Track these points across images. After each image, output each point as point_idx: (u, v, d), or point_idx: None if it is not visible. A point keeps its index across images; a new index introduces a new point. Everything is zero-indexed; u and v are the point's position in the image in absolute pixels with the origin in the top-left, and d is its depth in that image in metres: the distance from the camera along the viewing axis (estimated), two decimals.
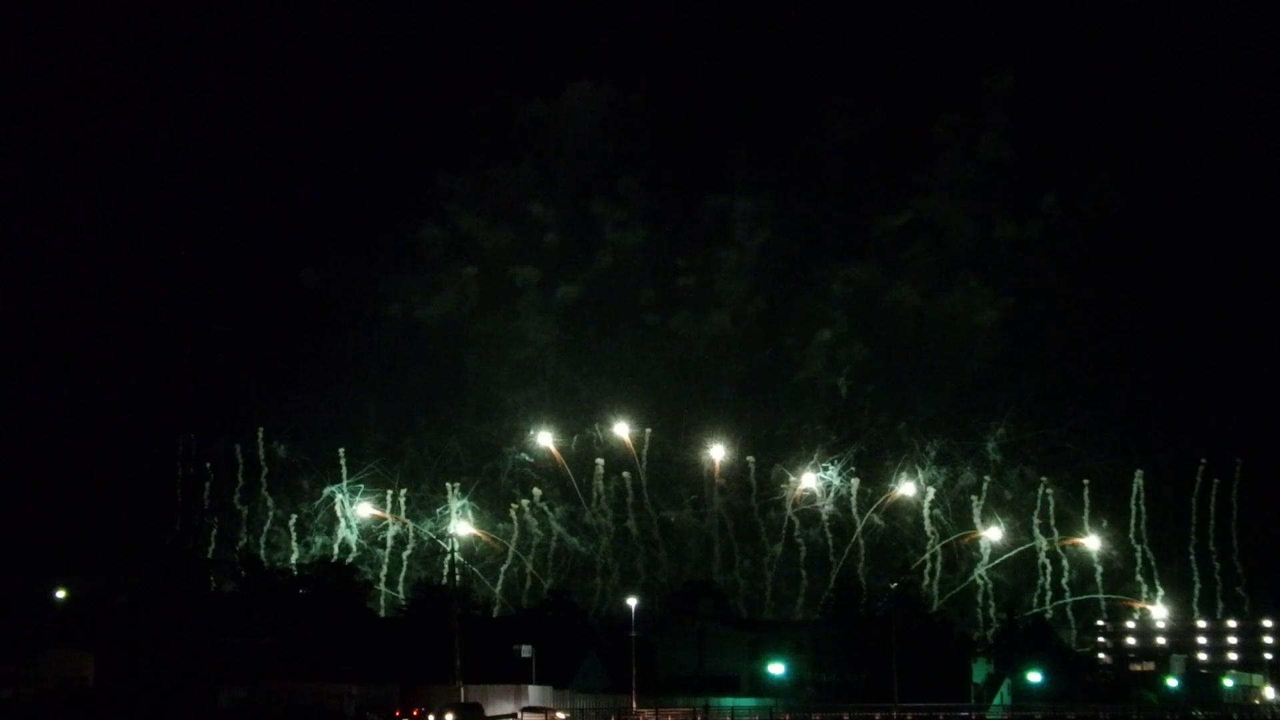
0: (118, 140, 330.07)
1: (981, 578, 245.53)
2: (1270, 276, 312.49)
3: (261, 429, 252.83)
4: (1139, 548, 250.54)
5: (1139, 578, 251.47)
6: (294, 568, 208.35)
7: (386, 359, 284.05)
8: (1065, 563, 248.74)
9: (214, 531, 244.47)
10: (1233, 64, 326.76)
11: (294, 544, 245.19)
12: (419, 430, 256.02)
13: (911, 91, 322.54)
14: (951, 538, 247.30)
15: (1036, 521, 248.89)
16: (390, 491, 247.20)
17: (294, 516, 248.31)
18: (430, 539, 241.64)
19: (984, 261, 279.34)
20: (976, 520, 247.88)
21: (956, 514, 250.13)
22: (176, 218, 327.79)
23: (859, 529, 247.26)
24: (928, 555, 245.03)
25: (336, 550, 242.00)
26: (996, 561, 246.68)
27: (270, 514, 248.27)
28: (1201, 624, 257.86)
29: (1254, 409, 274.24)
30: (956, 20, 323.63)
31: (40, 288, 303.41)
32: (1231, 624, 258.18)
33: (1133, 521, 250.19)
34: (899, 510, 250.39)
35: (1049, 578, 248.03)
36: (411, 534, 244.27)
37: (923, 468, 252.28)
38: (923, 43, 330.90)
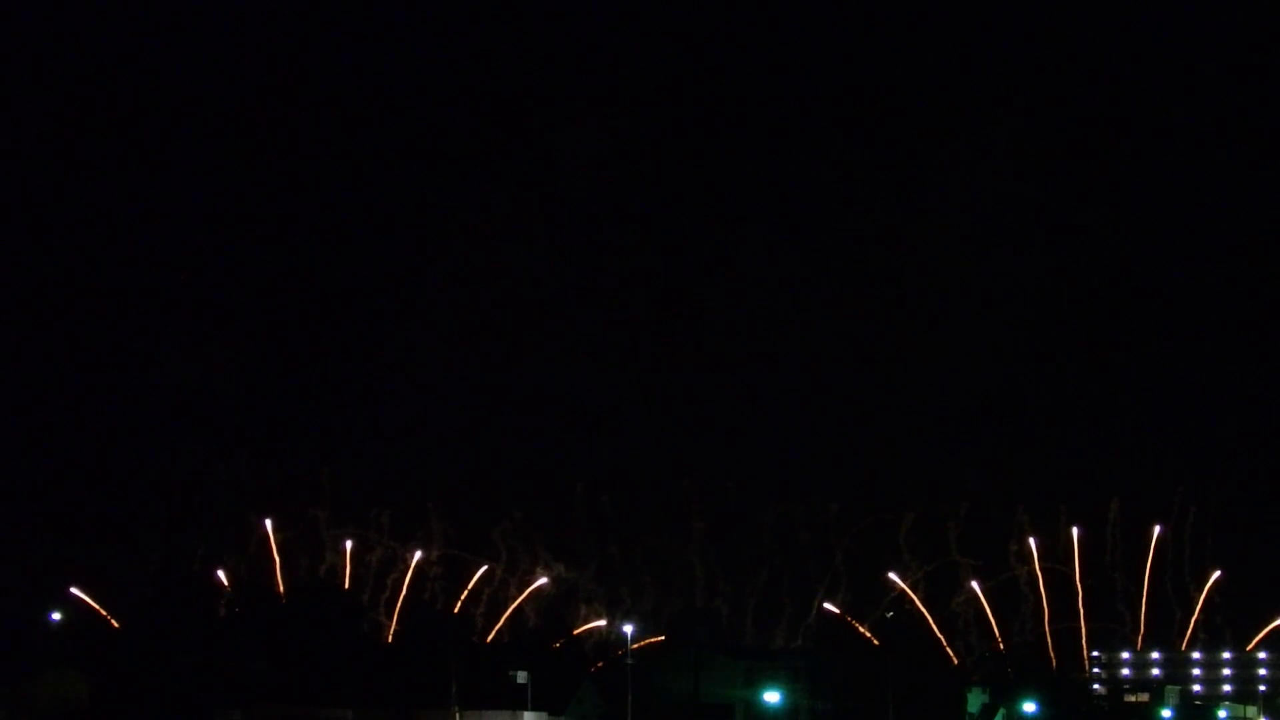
0: (117, 160, 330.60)
1: (961, 606, 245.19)
2: (1255, 307, 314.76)
3: (246, 448, 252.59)
4: (1117, 576, 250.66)
5: (1120, 607, 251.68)
6: (288, 591, 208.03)
7: (381, 378, 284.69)
8: (1045, 592, 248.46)
9: (200, 553, 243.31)
10: (1234, 103, 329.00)
11: (279, 565, 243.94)
12: (404, 452, 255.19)
13: (915, 119, 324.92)
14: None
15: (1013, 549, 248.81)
16: (374, 511, 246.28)
17: (279, 537, 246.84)
18: (417, 562, 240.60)
19: (980, 284, 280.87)
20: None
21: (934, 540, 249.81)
22: (175, 242, 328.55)
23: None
24: (908, 584, 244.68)
25: (322, 572, 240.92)
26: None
27: (254, 535, 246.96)
28: (1195, 655, 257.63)
29: (1228, 437, 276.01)
30: (962, 49, 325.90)
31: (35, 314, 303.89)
32: (1225, 655, 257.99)
33: (1109, 550, 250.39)
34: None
35: (1030, 607, 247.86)
36: (397, 556, 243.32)
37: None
38: (927, 70, 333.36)
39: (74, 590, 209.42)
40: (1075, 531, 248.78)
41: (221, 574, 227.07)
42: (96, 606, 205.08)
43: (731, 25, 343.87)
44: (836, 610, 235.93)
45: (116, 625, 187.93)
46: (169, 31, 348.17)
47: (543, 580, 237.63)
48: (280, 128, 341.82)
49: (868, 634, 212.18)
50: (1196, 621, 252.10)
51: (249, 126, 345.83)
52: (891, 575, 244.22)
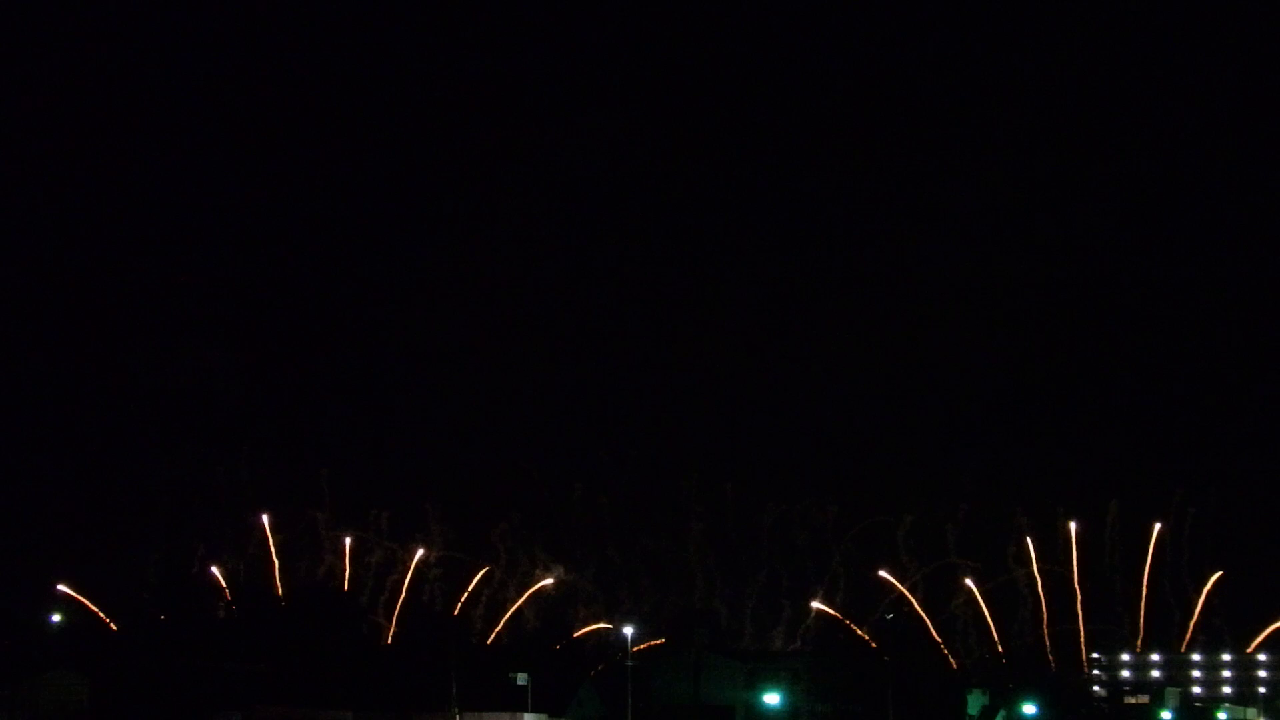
0: (117, 160, 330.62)
1: (959, 608, 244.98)
2: (1253, 307, 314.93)
3: (245, 449, 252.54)
4: (1116, 578, 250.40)
5: (1119, 609, 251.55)
6: (287, 593, 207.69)
7: (380, 379, 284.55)
8: (1044, 593, 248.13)
9: (200, 553, 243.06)
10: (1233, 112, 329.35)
11: (278, 567, 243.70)
12: (404, 452, 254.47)
13: (916, 119, 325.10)
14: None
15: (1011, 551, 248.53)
16: (373, 512, 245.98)
17: (278, 538, 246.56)
18: (416, 563, 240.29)
19: (980, 284, 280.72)
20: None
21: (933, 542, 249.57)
22: (174, 243, 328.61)
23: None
24: (906, 586, 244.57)
25: (321, 573, 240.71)
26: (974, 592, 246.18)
27: (254, 536, 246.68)
28: (1195, 657, 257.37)
29: (1228, 438, 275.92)
30: (962, 49, 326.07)
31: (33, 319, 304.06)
32: (1225, 657, 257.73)
33: (1108, 551, 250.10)
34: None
35: (1028, 609, 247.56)
36: (396, 558, 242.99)
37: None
38: (927, 70, 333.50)
39: (72, 592, 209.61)
40: (1074, 532, 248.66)
41: (220, 575, 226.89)
42: (94, 609, 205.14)
43: (731, 25, 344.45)
44: (826, 609, 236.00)
45: (115, 628, 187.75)
46: (171, 32, 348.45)
47: (546, 581, 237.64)
48: (279, 129, 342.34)
49: (865, 636, 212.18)
50: (1196, 623, 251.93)
51: (249, 127, 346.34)
52: (886, 575, 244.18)
